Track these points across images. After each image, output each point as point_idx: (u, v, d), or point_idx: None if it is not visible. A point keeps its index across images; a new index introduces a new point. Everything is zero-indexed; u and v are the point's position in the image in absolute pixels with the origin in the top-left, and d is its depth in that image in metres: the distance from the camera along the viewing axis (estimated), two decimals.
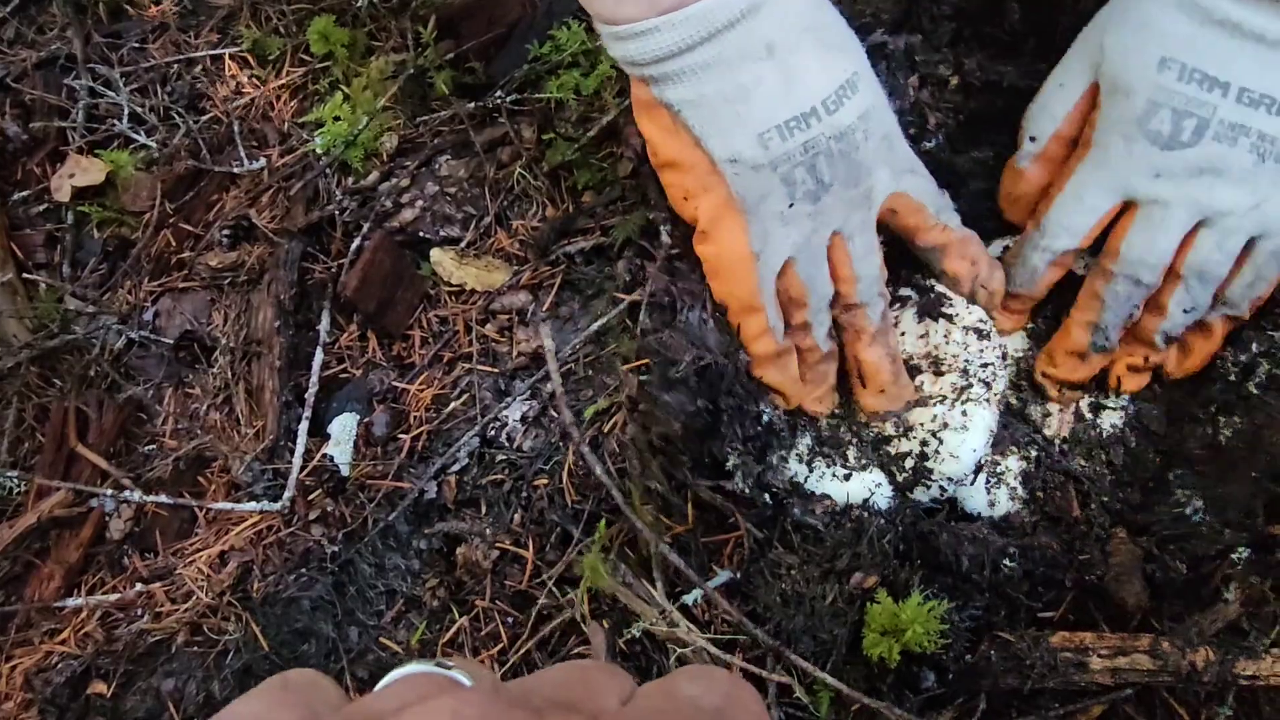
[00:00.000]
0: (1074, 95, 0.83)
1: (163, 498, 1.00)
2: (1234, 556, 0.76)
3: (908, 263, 0.99)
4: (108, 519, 1.02)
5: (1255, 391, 0.78)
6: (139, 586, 0.96)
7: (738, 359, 0.81)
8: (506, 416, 0.99)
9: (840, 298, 0.81)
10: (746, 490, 0.83)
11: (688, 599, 0.84)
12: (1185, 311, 0.80)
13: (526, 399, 0.99)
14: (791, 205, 0.74)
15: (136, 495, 1.01)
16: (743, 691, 0.40)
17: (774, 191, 0.74)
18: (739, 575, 0.85)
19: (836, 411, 0.88)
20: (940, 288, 0.90)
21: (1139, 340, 0.84)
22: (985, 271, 0.86)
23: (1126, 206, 0.80)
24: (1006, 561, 0.81)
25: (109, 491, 1.02)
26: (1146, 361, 0.84)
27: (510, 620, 0.90)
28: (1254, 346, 0.82)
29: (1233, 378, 0.79)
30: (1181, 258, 0.78)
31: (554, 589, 0.90)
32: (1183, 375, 0.85)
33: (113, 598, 0.96)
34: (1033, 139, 0.86)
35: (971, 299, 0.87)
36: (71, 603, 0.97)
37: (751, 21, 0.70)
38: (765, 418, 0.84)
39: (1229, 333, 0.84)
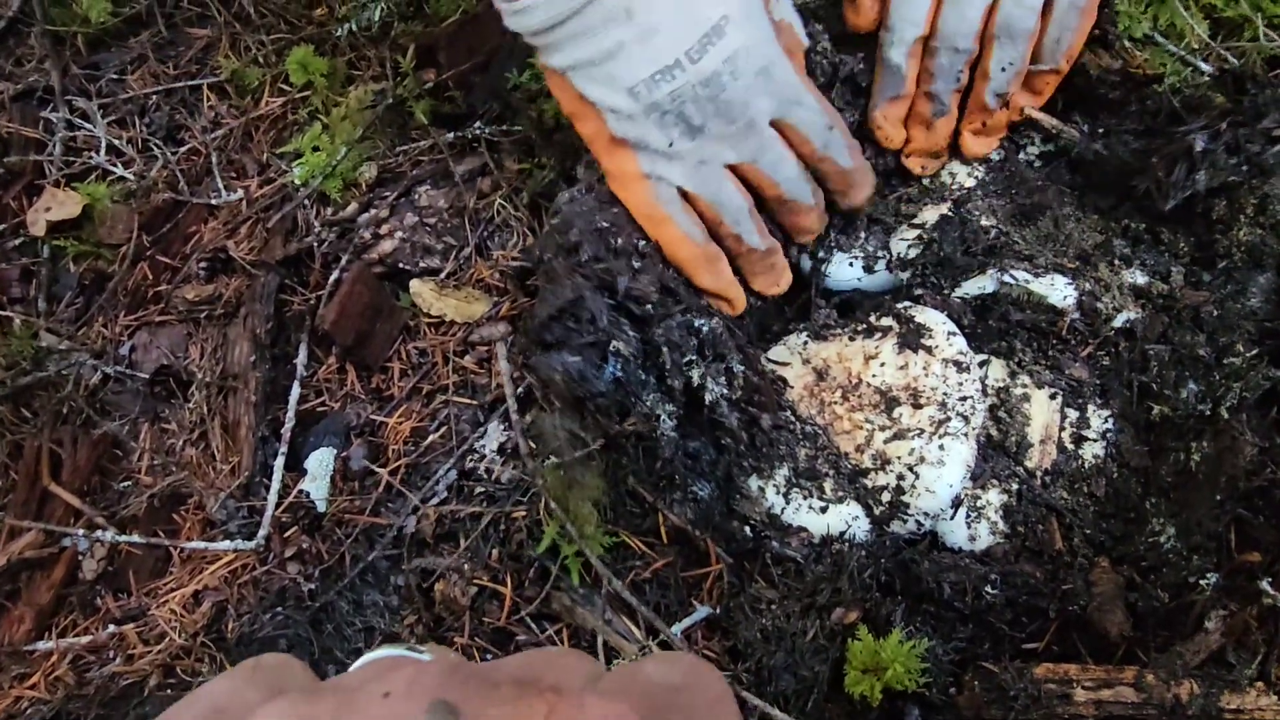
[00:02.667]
0: None
1: (136, 537, 0.99)
2: (1202, 583, 0.76)
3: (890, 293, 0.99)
4: (80, 559, 1.01)
5: (1225, 415, 0.78)
6: (111, 628, 0.95)
7: (627, 277, 0.87)
8: (484, 448, 0.98)
9: (770, 201, 0.92)
10: (725, 395, 0.85)
11: (665, 636, 0.83)
12: (1003, 70, 0.93)
13: (505, 430, 0.98)
14: (671, 144, 0.85)
15: (109, 535, 0.99)
16: (705, 672, 0.42)
17: (651, 134, 0.85)
18: (718, 610, 0.84)
19: (815, 440, 0.87)
20: (920, 319, 0.90)
21: (976, 107, 0.97)
22: (854, 186, 0.96)
23: None
24: (988, 589, 0.80)
25: (81, 531, 1.00)
26: (985, 126, 0.98)
27: (490, 657, 0.89)
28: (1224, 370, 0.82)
29: (1206, 410, 0.79)
30: (992, 23, 0.91)
31: (533, 625, 0.89)
32: (1022, 121, 0.99)
33: (84, 640, 0.94)
34: None
35: (833, 206, 0.97)
36: (42, 646, 0.95)
37: None
38: (702, 328, 0.87)
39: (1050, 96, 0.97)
